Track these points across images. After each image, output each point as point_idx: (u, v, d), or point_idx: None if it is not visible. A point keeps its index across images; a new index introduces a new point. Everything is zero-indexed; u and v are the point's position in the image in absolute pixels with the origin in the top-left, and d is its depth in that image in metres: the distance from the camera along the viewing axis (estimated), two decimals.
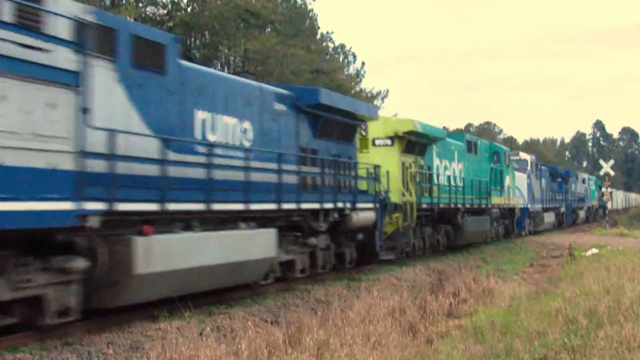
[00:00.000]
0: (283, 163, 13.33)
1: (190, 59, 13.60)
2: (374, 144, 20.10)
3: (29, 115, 7.99)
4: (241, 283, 12.70)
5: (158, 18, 36.42)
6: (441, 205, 22.17)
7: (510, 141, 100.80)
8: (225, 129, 12.40)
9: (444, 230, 23.39)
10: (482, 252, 25.35)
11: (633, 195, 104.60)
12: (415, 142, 20.79)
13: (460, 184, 24.40)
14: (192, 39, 36.41)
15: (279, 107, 14.21)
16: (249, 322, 10.25)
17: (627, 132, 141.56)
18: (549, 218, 42.09)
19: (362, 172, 17.66)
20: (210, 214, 11.30)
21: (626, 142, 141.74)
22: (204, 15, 35.35)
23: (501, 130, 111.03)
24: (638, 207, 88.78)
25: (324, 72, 41.36)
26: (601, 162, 48.46)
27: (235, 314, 11.16)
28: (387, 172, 18.32)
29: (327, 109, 15.41)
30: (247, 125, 13.04)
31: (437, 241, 23.04)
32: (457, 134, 27.56)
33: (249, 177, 12.28)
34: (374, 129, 19.88)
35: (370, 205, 16.94)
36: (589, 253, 22.64)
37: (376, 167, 17.71)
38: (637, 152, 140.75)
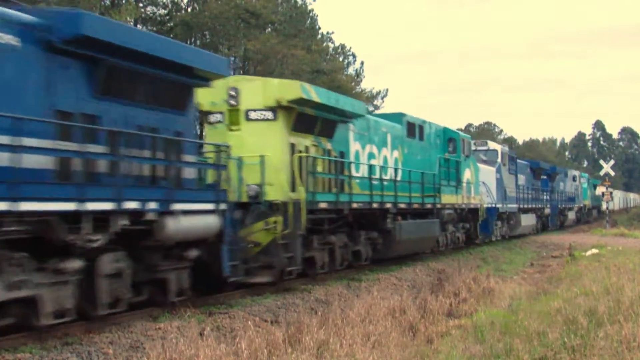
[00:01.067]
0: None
1: None
2: (248, 118, 14.17)
3: None
4: None
5: (158, 18, 36.45)
6: (355, 205, 15.99)
7: (510, 141, 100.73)
8: None
9: (366, 238, 17.37)
10: (483, 252, 25.37)
11: (632, 195, 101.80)
12: (313, 118, 14.99)
13: (393, 177, 18.75)
14: (192, 39, 36.39)
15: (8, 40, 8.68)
16: (249, 322, 10.25)
17: (627, 132, 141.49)
18: (529, 220, 36.34)
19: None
20: None
21: (626, 142, 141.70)
22: (204, 15, 35.37)
23: (501, 131, 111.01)
24: (637, 207, 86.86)
25: (324, 72, 41.38)
26: (601, 162, 48.50)
27: (235, 313, 11.16)
28: (263, 157, 13.34)
29: (115, 51, 9.77)
30: None
31: (356, 253, 17.02)
32: (395, 113, 21.11)
33: None
34: (250, 97, 14.13)
35: (210, 206, 11.47)
36: (589, 253, 22.64)
37: (222, 147, 12.31)
38: (637, 152, 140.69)
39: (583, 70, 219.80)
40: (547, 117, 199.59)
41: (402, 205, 18.73)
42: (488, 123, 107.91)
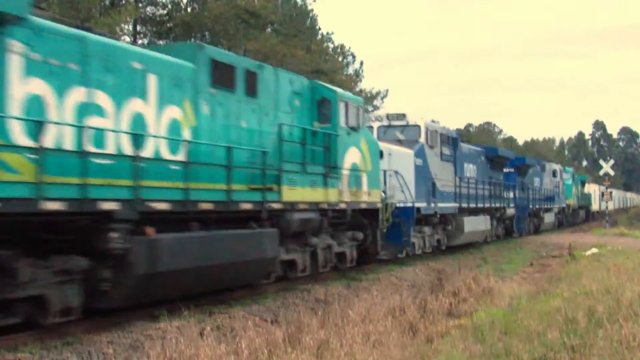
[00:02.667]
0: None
1: None
2: None
3: None
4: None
5: (158, 18, 36.46)
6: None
7: (510, 141, 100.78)
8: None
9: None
10: (482, 251, 25.38)
11: (629, 195, 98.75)
12: None
13: (153, 153, 10.41)
14: (192, 39, 36.38)
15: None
16: (249, 322, 10.26)
17: (626, 132, 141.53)
18: (478, 224, 26.59)
19: None
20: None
21: (626, 142, 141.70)
22: (204, 16, 35.38)
23: (501, 130, 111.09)
24: (637, 206, 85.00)
25: (324, 72, 41.37)
26: (601, 162, 48.29)
27: (235, 313, 11.17)
28: None
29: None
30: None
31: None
32: (187, 44, 15.92)
33: None
34: None
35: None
36: (588, 253, 22.64)
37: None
38: (636, 152, 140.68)
39: (583, 70, 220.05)
40: (547, 117, 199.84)
41: (161, 206, 10.21)
42: (488, 123, 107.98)
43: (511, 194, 32.85)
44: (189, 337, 8.76)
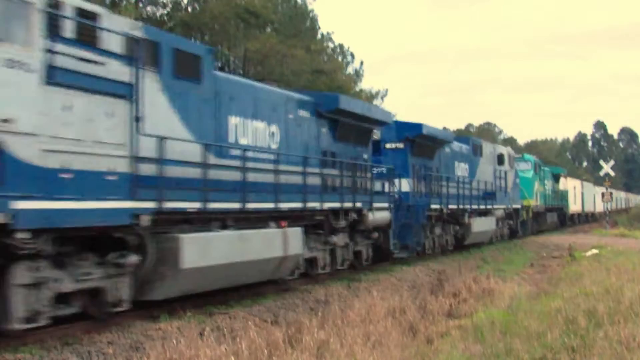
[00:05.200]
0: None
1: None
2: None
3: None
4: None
5: (158, 18, 36.46)
6: None
7: (510, 141, 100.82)
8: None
9: None
10: (483, 252, 25.36)
11: (622, 195, 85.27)
12: None
13: None
14: (192, 39, 36.39)
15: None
16: (249, 322, 10.26)
17: (626, 132, 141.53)
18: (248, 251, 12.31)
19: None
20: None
21: (626, 142, 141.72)
22: (204, 15, 35.38)
23: (501, 131, 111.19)
24: (637, 207, 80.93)
25: (324, 72, 41.37)
26: (601, 162, 48.10)
27: (235, 314, 11.17)
28: None
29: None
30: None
31: None
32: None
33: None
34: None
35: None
36: (589, 253, 22.65)
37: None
38: (637, 152, 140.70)
39: (583, 70, 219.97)
40: (547, 117, 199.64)
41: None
42: (488, 123, 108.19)
43: (391, 186, 19.44)
44: (189, 337, 8.76)
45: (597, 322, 9.54)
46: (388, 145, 21.07)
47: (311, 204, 14.24)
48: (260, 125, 13.48)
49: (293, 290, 13.82)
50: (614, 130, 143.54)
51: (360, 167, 17.36)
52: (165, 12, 37.05)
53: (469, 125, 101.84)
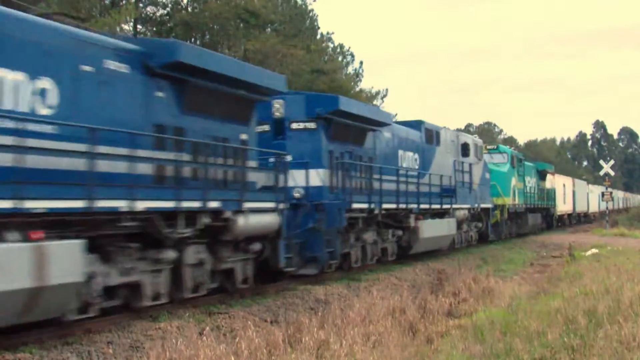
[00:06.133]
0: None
1: None
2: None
3: None
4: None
5: (158, 18, 36.49)
6: None
7: (510, 141, 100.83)
8: None
9: None
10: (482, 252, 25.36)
11: (621, 194, 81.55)
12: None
13: None
14: (192, 39, 36.41)
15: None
16: (249, 322, 10.25)
17: (626, 132, 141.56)
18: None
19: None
20: None
21: (625, 142, 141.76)
22: (204, 15, 35.39)
23: (501, 130, 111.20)
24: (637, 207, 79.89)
25: (324, 72, 41.37)
26: (601, 162, 47.97)
27: (235, 313, 11.17)
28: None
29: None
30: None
31: None
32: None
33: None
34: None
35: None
36: (588, 253, 22.65)
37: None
38: (637, 152, 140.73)
39: (583, 70, 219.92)
40: (547, 117, 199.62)
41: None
42: (488, 123, 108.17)
43: (285, 178, 14.37)
44: (189, 337, 8.77)
45: (597, 321, 9.54)
46: (295, 125, 15.98)
47: (107, 203, 9.17)
48: (10, 76, 8.63)
49: (293, 290, 13.81)
50: (613, 130, 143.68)
51: (229, 152, 12.43)
52: (165, 12, 37.08)
53: (469, 125, 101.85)
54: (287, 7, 44.55)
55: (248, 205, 12.25)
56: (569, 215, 50.86)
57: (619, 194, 74.74)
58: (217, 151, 12.12)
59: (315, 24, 47.94)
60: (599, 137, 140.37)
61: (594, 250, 23.30)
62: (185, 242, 11.07)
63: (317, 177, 15.67)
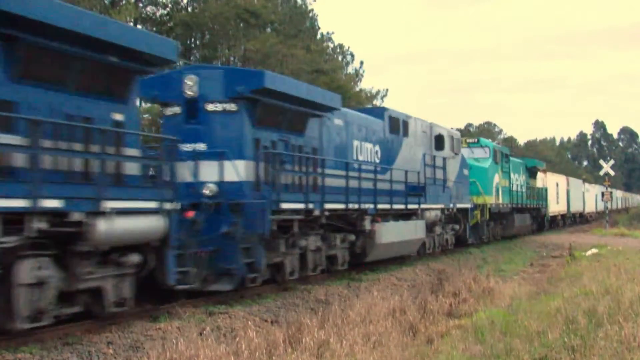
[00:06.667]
0: None
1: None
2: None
3: None
4: None
5: (158, 18, 36.50)
6: None
7: (510, 141, 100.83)
8: None
9: None
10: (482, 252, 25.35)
11: (620, 194, 78.34)
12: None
13: None
14: (192, 39, 36.43)
15: None
16: (249, 322, 10.26)
17: (626, 132, 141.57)
18: None
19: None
20: None
21: (625, 142, 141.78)
22: (204, 16, 35.41)
23: (501, 130, 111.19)
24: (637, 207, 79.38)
25: (324, 72, 41.39)
26: (601, 162, 47.90)
27: (235, 313, 11.17)
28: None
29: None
30: None
31: None
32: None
33: None
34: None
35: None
36: (589, 253, 22.64)
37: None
38: (637, 152, 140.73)
39: (583, 70, 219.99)
40: (547, 117, 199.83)
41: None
42: (488, 123, 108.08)
43: (170, 170, 11.34)
44: (189, 337, 8.77)
45: (597, 321, 9.54)
46: (211, 107, 13.00)
47: None
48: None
49: (293, 290, 13.81)
50: (613, 130, 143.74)
51: (94, 136, 9.39)
52: (165, 12, 37.10)
53: (469, 125, 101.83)
54: (287, 7, 44.56)
55: (113, 204, 9.21)
56: (563, 216, 48.12)
57: (617, 194, 72.22)
58: (73, 134, 9.16)
59: (315, 24, 47.98)
60: (599, 137, 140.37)
61: (594, 250, 23.29)
62: (14, 255, 8.19)
63: (234, 171, 12.62)
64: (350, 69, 50.91)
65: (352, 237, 16.40)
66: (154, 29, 35.87)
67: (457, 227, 24.26)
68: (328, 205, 14.74)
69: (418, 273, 18.30)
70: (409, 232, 19.17)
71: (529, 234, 35.93)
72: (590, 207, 58.49)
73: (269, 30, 39.82)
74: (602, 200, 43.96)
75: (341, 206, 15.44)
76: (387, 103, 55.08)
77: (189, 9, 37.68)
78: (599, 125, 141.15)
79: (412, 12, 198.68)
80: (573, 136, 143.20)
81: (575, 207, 52.42)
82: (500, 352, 8.33)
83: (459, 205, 23.89)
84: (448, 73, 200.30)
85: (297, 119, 14.47)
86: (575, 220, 53.05)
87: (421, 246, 20.85)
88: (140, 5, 35.17)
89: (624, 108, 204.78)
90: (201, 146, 12.59)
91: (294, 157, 14.08)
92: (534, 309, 11.21)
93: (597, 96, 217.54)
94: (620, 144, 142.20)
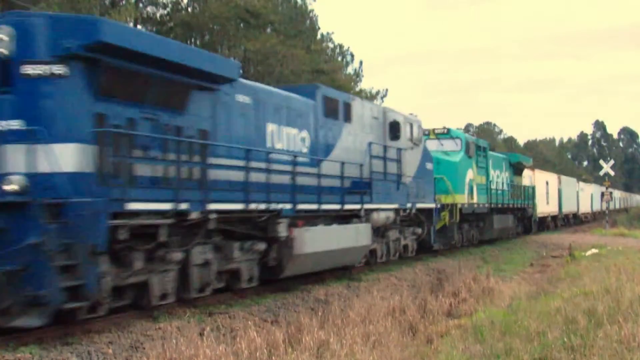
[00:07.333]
0: None
1: None
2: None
3: None
4: None
5: (158, 18, 36.49)
6: None
7: (510, 141, 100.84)
8: None
9: None
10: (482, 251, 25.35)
11: (618, 193, 73.80)
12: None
13: None
14: (192, 39, 36.42)
15: None
16: (249, 322, 10.26)
17: (626, 132, 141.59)
18: None
19: None
20: None
21: (625, 142, 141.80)
22: (204, 16, 35.40)
23: (501, 130, 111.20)
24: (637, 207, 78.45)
25: (324, 72, 41.38)
26: (601, 162, 47.90)
27: (235, 313, 11.17)
28: None
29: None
30: None
31: None
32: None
33: None
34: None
35: None
36: (589, 253, 22.66)
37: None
38: (637, 152, 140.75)
39: (583, 70, 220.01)
40: (547, 117, 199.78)
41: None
42: (488, 123, 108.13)
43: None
44: (189, 337, 8.76)
45: (597, 321, 9.54)
46: (30, 70, 9.21)
47: None
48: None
49: (293, 290, 13.81)
50: (613, 130, 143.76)
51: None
52: (165, 12, 37.09)
53: (469, 125, 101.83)
54: (287, 7, 44.54)
55: None
56: (554, 217, 43.96)
57: (616, 194, 67.20)
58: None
59: (316, 24, 47.96)
60: (599, 137, 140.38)
61: (594, 250, 23.30)
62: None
63: (55, 158, 8.96)
64: (350, 69, 50.91)
65: (262, 247, 12.84)
66: (154, 29, 35.90)
67: (419, 230, 20.61)
68: (217, 206, 11.17)
69: (418, 273, 18.30)
70: (348, 238, 15.26)
71: (512, 237, 32.34)
72: (585, 208, 54.85)
73: (269, 30, 39.81)
74: (603, 200, 43.91)
75: (238, 206, 11.88)
76: (387, 103, 55.04)
77: (189, 9, 37.67)
78: (599, 125, 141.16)
79: (412, 12, 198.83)
80: (573, 136, 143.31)
81: (568, 208, 48.65)
82: (500, 352, 8.34)
83: (419, 206, 19.83)
84: (448, 73, 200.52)
85: (171, 91, 10.76)
86: (568, 221, 49.42)
87: (371, 255, 17.67)
88: (141, 5, 35.16)
89: (624, 108, 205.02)
90: (14, 124, 9.04)
91: (164, 141, 10.36)
92: (534, 309, 11.21)
93: (597, 96, 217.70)
94: (621, 144, 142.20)
